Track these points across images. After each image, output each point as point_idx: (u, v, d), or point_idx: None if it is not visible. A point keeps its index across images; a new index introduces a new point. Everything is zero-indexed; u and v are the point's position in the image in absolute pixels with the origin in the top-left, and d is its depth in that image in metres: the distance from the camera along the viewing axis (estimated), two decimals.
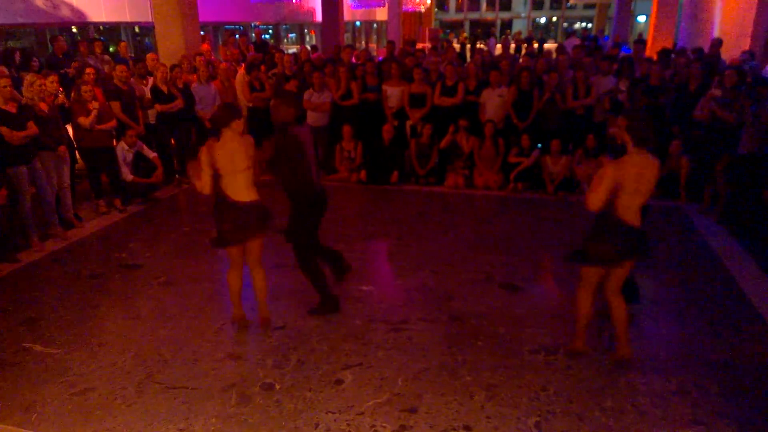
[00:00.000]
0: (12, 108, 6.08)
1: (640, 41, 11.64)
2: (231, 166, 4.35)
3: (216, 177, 4.36)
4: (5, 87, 6.03)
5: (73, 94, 7.40)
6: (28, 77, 6.58)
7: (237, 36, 11.99)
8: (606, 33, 25.52)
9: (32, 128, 6.16)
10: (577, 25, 44.33)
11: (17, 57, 8.79)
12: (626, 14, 22.86)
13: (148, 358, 4.41)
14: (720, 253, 6.24)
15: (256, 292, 4.78)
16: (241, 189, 4.47)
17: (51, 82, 6.78)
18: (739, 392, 3.95)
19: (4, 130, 5.93)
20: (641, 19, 31.15)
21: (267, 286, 4.79)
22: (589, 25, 39.45)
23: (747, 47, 11.57)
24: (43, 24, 14.53)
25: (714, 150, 7.42)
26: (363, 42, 33.09)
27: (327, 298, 5.00)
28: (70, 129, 7.44)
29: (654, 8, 15.62)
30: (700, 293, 5.40)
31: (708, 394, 3.94)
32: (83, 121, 7.09)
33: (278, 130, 4.63)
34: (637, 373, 4.16)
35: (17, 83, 7.26)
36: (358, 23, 33.28)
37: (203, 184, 4.35)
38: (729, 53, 10.86)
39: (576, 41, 14.90)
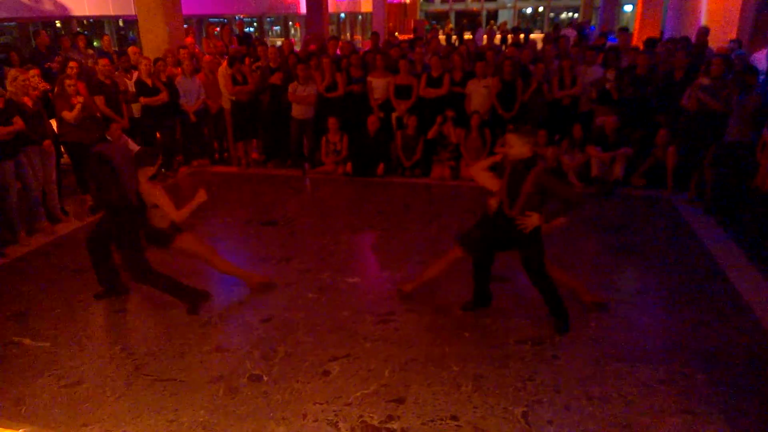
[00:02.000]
0: None
1: (625, 30, 11.66)
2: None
3: None
4: None
5: (56, 89, 7.33)
6: (12, 72, 6.52)
7: (218, 29, 11.91)
8: (592, 23, 25.56)
9: (18, 123, 6.11)
10: (563, 15, 44.36)
11: None
12: (612, 4, 22.93)
13: (136, 351, 4.40)
14: (707, 243, 6.30)
15: None
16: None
17: (33, 76, 6.71)
18: (726, 381, 3.98)
19: None
20: (628, 8, 31.21)
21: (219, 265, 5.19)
22: (575, 15, 39.49)
23: (734, 36, 11.63)
24: (25, 18, 14.36)
25: (701, 139, 7.46)
26: (348, 34, 32.94)
27: (189, 294, 5.03)
28: (54, 123, 7.37)
29: None
30: (686, 283, 5.44)
31: (695, 383, 3.97)
32: (67, 115, 7.04)
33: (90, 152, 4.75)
34: (624, 362, 4.20)
35: None
36: (342, 15, 33.11)
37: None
38: (716, 42, 10.92)
39: (572, 32, 14.87)
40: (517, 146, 4.28)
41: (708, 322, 4.74)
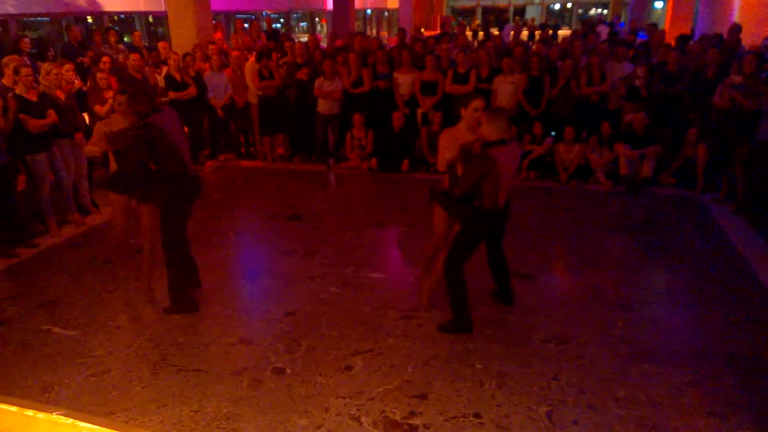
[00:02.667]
0: (33, 96, 6.17)
1: (654, 25, 11.47)
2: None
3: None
4: (27, 76, 6.12)
5: (89, 83, 7.45)
6: (45, 66, 6.65)
7: (247, 25, 11.99)
8: (622, 19, 25.19)
9: (52, 116, 6.23)
10: (592, 11, 43.79)
11: (23, 45, 8.77)
12: (643, 0, 22.55)
13: (162, 342, 4.46)
14: (737, 243, 6.17)
15: None
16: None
17: (67, 71, 6.83)
18: (755, 384, 3.91)
19: (24, 117, 6.00)
20: (658, 5, 30.71)
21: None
22: (605, 11, 38.98)
23: (767, 33, 11.38)
24: (58, 13, 14.60)
25: (732, 138, 7.31)
26: (374, 30, 32.92)
27: (185, 297, 4.90)
28: (86, 117, 7.50)
29: None
30: (716, 284, 5.35)
31: (723, 385, 3.90)
32: (99, 109, 7.14)
33: (138, 122, 4.59)
34: (651, 363, 4.14)
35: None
36: (369, 11, 33.09)
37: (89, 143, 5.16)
38: (749, 39, 10.69)
39: (605, 29, 14.68)
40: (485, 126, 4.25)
41: (737, 324, 4.65)
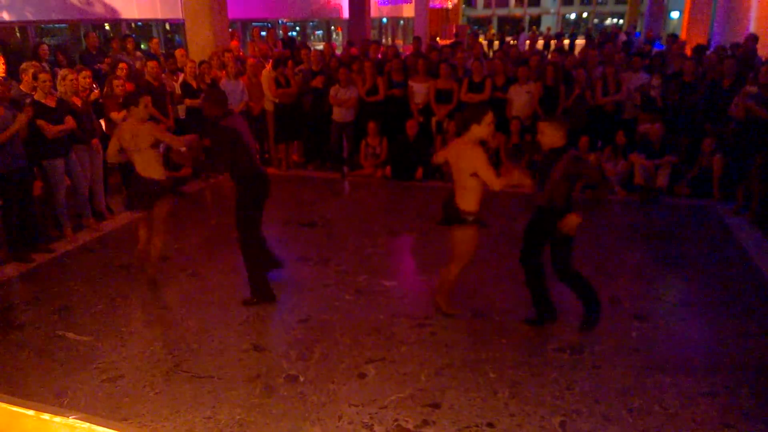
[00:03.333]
0: (51, 102, 6.25)
1: (674, 36, 11.43)
2: (133, 144, 5.09)
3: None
4: (45, 82, 6.21)
5: (105, 89, 7.53)
6: (61, 72, 6.73)
7: (264, 33, 12.07)
8: (638, 29, 25.11)
9: (70, 122, 6.31)
10: (608, 21, 43.69)
11: (42, 51, 8.90)
12: (659, 10, 22.50)
13: (175, 348, 4.48)
14: (753, 254, 6.11)
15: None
16: (142, 165, 5.18)
17: (84, 78, 6.90)
18: None
19: (41, 123, 6.07)
20: (674, 15, 30.58)
21: (158, 249, 5.41)
22: (621, 21, 38.86)
23: None
24: (76, 20, 14.79)
25: (749, 148, 7.25)
26: (389, 39, 33.03)
27: (263, 288, 5.12)
28: (103, 123, 7.57)
29: (687, 4, 15.33)
30: (731, 295, 5.29)
31: (738, 396, 3.86)
32: (115, 116, 7.21)
33: (211, 125, 4.90)
34: (665, 374, 4.10)
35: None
36: (384, 20, 33.23)
37: (108, 152, 5.37)
38: (765, 50, 10.62)
39: (623, 37, 14.65)
40: (548, 135, 4.32)
41: (753, 334, 4.60)
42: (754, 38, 10.22)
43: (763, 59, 9.53)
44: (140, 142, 5.10)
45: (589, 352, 4.36)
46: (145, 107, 5.20)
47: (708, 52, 10.22)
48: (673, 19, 30.70)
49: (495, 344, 4.47)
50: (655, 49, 11.79)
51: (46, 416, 1.16)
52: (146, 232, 5.45)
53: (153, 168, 5.21)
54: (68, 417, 1.13)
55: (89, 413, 3.58)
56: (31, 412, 1.18)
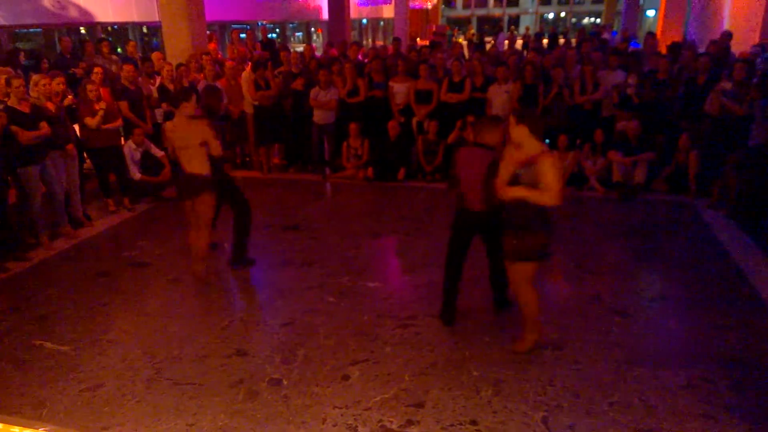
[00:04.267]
0: (25, 108, 6.15)
1: (652, 35, 11.54)
2: (184, 142, 5.21)
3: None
4: (18, 87, 6.11)
5: (79, 94, 7.42)
6: (34, 77, 6.65)
7: (243, 35, 12.01)
8: (614, 28, 25.35)
9: (45, 128, 6.22)
10: (585, 21, 44.06)
11: (21, 58, 8.81)
12: (635, 9, 22.71)
13: (156, 355, 4.43)
14: (729, 248, 6.20)
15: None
16: (187, 161, 5.25)
17: (57, 84, 6.79)
18: (749, 387, 3.92)
19: (16, 129, 5.98)
20: (650, 13, 30.91)
21: (202, 246, 5.47)
22: (598, 20, 39.21)
23: (757, 40, 11.46)
24: (50, 24, 14.60)
25: (724, 144, 7.35)
26: (370, 40, 33.04)
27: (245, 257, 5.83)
28: (77, 128, 7.48)
29: (663, 2, 15.51)
30: (709, 288, 5.37)
31: (717, 388, 3.92)
32: (89, 121, 7.13)
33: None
34: (645, 367, 4.15)
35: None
36: (364, 21, 33.23)
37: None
38: (739, 47, 10.76)
39: (607, 36, 14.78)
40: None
41: (731, 327, 4.67)
42: (728, 35, 10.36)
43: (737, 56, 9.66)
44: (192, 138, 5.17)
45: (571, 348, 4.39)
46: (197, 102, 5.39)
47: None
48: (648, 17, 31.02)
49: (478, 343, 4.49)
50: (632, 48, 11.88)
51: (15, 429, 1.14)
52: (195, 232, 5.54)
53: (198, 162, 5.24)
54: (38, 429, 1.11)
55: (68, 424, 3.51)
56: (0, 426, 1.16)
